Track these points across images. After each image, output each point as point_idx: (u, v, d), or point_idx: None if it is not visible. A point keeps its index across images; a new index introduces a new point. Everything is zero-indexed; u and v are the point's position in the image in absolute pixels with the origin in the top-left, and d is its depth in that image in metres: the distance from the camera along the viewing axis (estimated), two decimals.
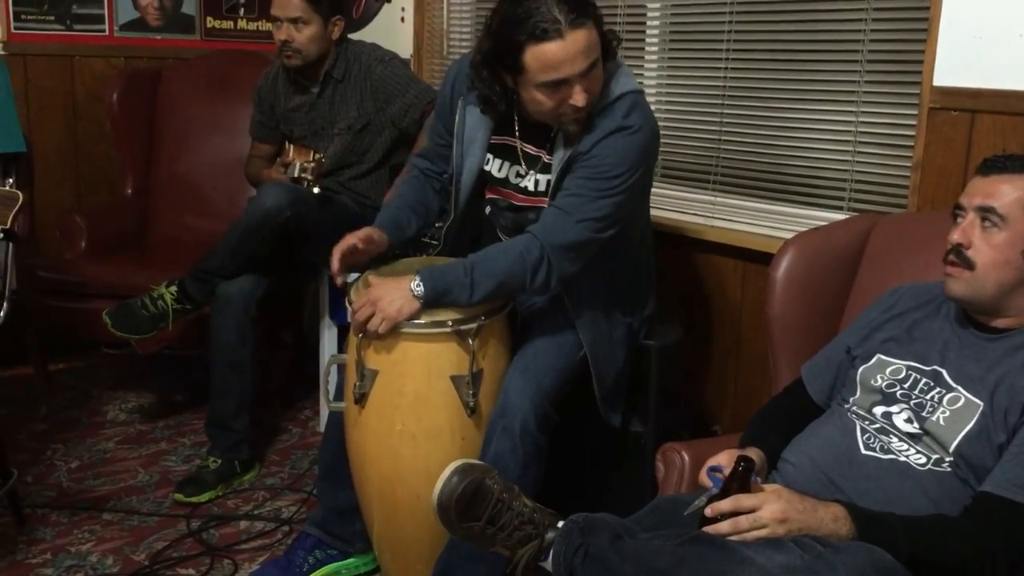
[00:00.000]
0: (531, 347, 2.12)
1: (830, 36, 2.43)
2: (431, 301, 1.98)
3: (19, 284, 2.50)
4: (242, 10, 4.07)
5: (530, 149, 2.16)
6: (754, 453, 1.65)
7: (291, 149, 3.09)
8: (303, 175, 2.77)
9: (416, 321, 1.99)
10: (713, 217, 2.71)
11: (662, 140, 2.82)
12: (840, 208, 2.44)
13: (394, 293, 1.98)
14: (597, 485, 2.37)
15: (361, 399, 2.06)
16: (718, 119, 2.70)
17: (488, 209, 2.29)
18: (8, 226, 1.91)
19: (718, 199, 2.72)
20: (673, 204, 2.82)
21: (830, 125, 2.46)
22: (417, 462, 2.04)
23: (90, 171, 3.79)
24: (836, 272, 2.08)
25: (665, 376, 2.32)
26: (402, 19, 3.69)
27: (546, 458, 2.07)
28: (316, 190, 2.76)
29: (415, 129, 2.95)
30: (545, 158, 2.14)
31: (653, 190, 2.84)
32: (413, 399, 2.03)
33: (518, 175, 2.19)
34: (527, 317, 2.25)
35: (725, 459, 1.61)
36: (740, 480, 1.49)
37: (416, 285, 1.97)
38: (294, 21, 2.89)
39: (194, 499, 2.72)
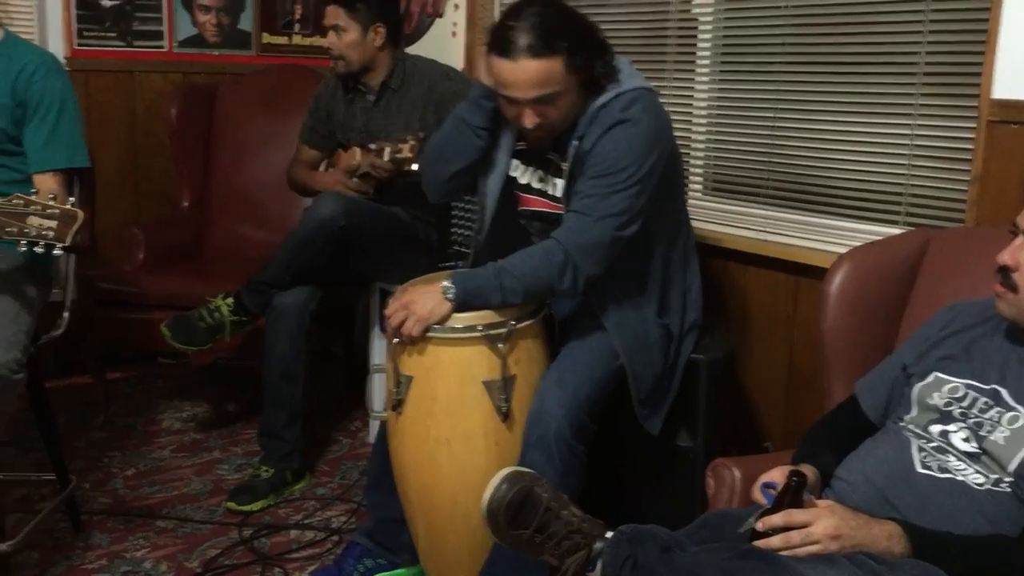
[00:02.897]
0: (567, 355, 2.13)
1: (887, 48, 2.40)
2: (462, 303, 2.01)
3: (79, 295, 2.55)
4: (297, 26, 4.14)
5: (550, 155, 2.18)
6: (807, 470, 1.63)
7: (357, 152, 3.07)
8: (397, 156, 2.78)
9: (447, 326, 2.02)
10: (765, 231, 2.69)
11: (712, 153, 2.84)
12: (895, 223, 2.41)
13: (425, 296, 2.02)
14: (646, 500, 2.35)
15: (398, 405, 2.09)
16: (770, 131, 2.68)
17: (522, 221, 2.31)
18: (68, 244, 1.95)
19: (770, 213, 2.69)
20: (724, 218, 2.80)
21: (885, 138, 2.42)
22: (452, 467, 2.06)
23: (148, 184, 3.87)
24: (891, 288, 2.05)
25: (714, 391, 2.30)
26: (453, 34, 3.70)
27: (585, 467, 2.06)
28: (415, 167, 2.74)
29: None
30: (560, 163, 2.15)
31: (703, 203, 2.86)
32: (446, 404, 2.05)
33: (540, 180, 2.21)
34: (564, 324, 2.24)
35: (779, 475, 1.59)
36: (792, 495, 1.48)
37: (447, 287, 2.01)
38: (334, 28, 2.97)
39: (246, 508, 2.75)
